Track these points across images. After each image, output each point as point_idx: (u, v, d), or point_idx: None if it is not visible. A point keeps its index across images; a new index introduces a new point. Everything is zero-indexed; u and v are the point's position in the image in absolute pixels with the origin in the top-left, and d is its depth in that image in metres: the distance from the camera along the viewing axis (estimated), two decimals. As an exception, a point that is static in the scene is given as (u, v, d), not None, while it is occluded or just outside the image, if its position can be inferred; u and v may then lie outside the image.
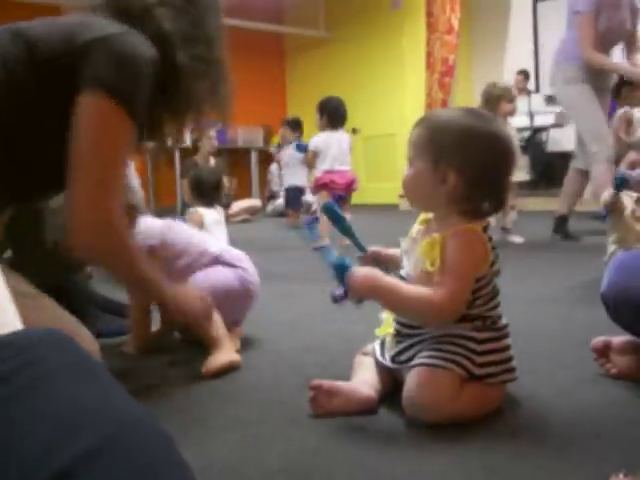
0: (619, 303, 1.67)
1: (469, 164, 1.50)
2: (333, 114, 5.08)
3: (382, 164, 9.10)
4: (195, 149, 7.01)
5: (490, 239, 1.53)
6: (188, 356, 2.12)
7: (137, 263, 1.68)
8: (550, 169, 7.83)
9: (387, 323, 1.66)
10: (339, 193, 4.96)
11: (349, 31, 9.40)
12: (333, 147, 5.00)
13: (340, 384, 1.60)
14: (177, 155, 8.11)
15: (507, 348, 1.57)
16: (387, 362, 1.63)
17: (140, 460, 0.44)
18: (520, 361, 1.59)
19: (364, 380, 1.62)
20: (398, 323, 1.61)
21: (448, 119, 1.57)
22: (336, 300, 1.52)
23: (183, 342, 2.33)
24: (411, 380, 1.50)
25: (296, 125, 7.97)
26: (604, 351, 1.76)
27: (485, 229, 1.54)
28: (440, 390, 1.46)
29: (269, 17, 9.52)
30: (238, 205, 7.49)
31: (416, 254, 1.54)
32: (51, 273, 2.32)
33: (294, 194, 7.27)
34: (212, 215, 3.94)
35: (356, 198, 8.45)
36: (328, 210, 1.79)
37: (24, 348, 0.51)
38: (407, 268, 1.59)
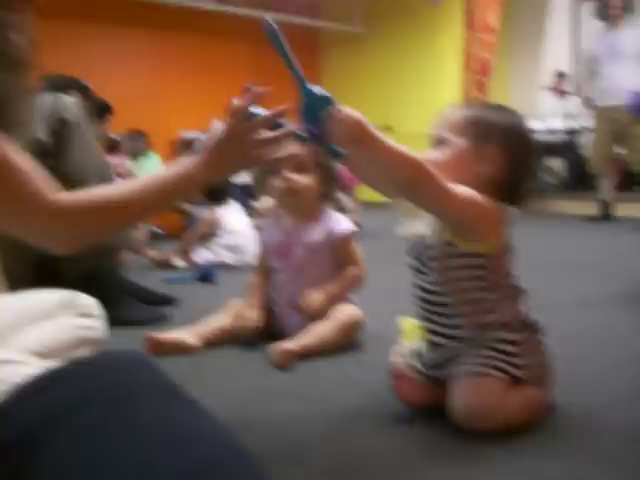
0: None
1: (516, 149, 1.47)
2: None
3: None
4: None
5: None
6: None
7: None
8: (584, 173, 7.67)
9: (411, 332, 1.63)
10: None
11: (386, 27, 9.32)
12: None
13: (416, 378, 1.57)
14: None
15: (545, 347, 1.52)
16: (424, 370, 1.58)
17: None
18: (565, 367, 1.54)
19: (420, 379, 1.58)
20: (431, 333, 1.56)
21: (490, 109, 1.55)
22: (312, 138, 1.28)
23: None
24: (458, 389, 1.45)
25: None
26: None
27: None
28: (489, 397, 1.41)
29: (304, 11, 9.47)
30: (267, 200, 7.44)
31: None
32: (88, 257, 2.29)
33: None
34: (229, 212, 4.09)
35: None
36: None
37: (111, 368, 0.49)
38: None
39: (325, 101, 1.27)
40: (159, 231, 5.08)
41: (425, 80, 8.95)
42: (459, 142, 1.49)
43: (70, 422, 0.44)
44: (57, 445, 0.42)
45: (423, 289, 1.55)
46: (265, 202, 5.98)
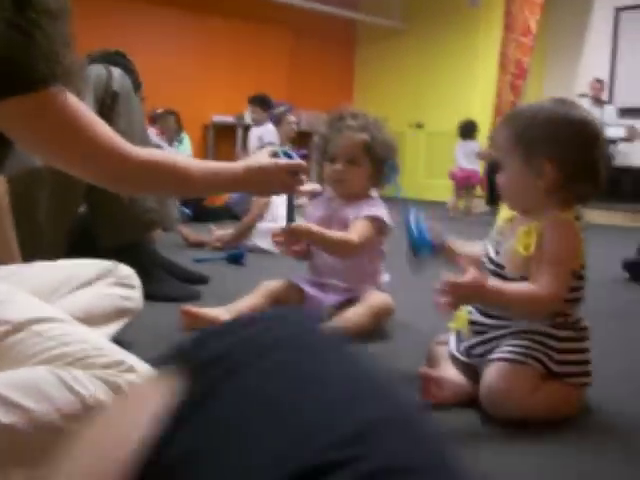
0: None
1: (561, 152, 1.47)
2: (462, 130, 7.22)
3: (443, 161, 8.96)
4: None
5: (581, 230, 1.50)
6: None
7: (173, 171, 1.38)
8: (615, 184, 7.58)
9: (460, 317, 1.62)
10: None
11: (424, 24, 9.27)
12: (459, 152, 7.31)
13: (446, 375, 1.55)
14: (240, 130, 8.09)
15: (586, 350, 1.53)
16: (462, 356, 1.59)
17: (421, 433, 0.41)
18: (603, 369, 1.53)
19: (455, 373, 1.57)
20: (475, 323, 1.57)
21: (532, 113, 1.51)
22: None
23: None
24: (489, 374, 1.46)
25: (264, 103, 6.59)
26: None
27: (577, 218, 1.50)
28: (519, 384, 1.42)
29: (342, 2, 9.44)
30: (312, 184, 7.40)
31: (511, 241, 1.50)
32: (126, 229, 2.31)
33: None
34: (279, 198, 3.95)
35: (412, 193, 8.40)
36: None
37: (292, 321, 0.50)
38: (500, 255, 1.55)
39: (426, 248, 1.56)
40: (188, 212, 5.11)
41: (460, 79, 8.90)
42: (510, 165, 1.52)
43: (262, 359, 0.44)
44: (247, 377, 0.42)
45: None
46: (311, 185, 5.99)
